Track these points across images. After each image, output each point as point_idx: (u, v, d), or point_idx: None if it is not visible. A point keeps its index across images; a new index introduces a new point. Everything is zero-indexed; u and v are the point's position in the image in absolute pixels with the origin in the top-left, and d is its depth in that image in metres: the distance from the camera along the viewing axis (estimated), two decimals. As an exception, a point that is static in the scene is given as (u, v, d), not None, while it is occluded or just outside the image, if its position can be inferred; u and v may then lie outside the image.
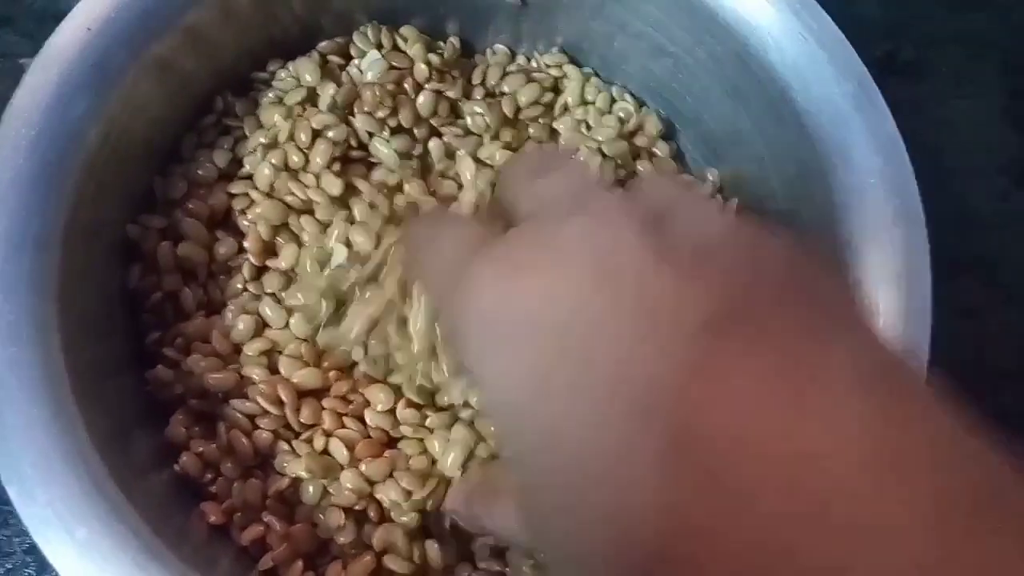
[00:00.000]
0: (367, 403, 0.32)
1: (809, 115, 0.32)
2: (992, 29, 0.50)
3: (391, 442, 0.33)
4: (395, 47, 0.39)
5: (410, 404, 0.32)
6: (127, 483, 0.27)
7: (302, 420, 0.32)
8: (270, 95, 0.37)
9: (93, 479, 0.26)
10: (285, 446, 0.32)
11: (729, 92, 0.36)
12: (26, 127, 0.29)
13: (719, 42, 0.34)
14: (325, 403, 0.32)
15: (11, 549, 0.36)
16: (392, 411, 0.32)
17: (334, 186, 0.34)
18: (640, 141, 0.40)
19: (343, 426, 0.32)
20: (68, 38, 0.30)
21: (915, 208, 0.30)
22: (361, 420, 0.32)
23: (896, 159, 0.30)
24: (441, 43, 0.40)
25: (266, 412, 0.32)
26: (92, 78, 0.30)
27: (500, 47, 0.41)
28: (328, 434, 0.32)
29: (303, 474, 0.31)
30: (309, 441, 0.32)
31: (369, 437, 0.32)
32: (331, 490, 0.31)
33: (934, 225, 0.30)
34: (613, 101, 0.41)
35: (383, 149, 0.36)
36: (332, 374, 0.32)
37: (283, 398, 0.32)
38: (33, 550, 0.36)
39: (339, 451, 0.31)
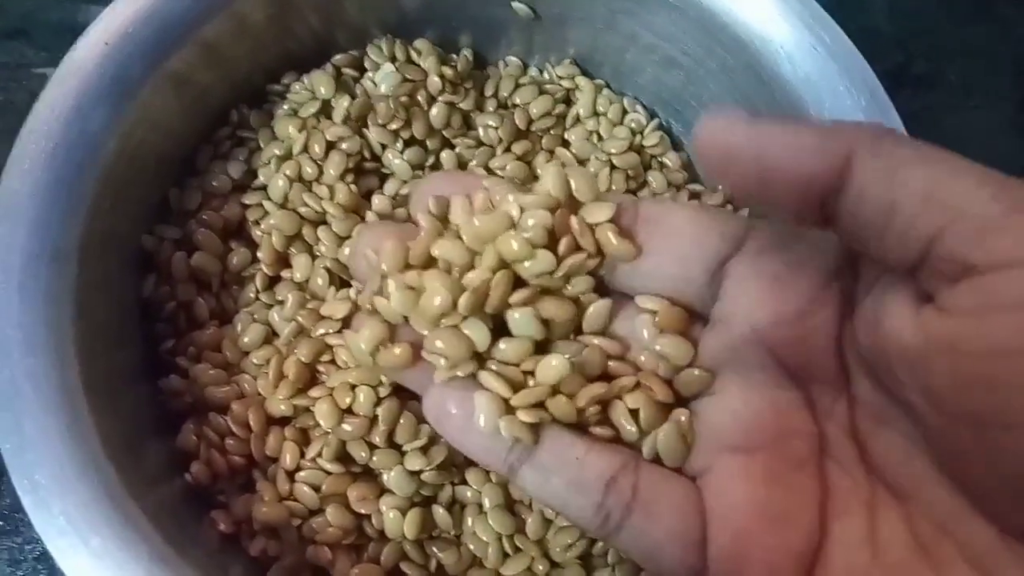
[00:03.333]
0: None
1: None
2: (1001, 40, 0.50)
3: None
4: (409, 60, 0.39)
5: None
6: (140, 492, 0.27)
7: (268, 453, 0.31)
8: (285, 108, 0.37)
9: (107, 489, 0.26)
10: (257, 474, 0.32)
11: (741, 103, 0.36)
12: (45, 139, 0.29)
13: (731, 54, 0.34)
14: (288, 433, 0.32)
15: (22, 556, 0.36)
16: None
17: (347, 197, 0.34)
18: (650, 152, 0.40)
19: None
20: (86, 52, 0.30)
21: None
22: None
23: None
24: (454, 56, 0.40)
25: (233, 434, 0.32)
26: (110, 91, 0.30)
27: (512, 59, 0.42)
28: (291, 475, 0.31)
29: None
30: (273, 480, 0.31)
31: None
32: (314, 526, 0.31)
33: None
34: (624, 112, 0.41)
35: (396, 161, 0.36)
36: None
37: (251, 424, 0.31)
38: (44, 558, 0.36)
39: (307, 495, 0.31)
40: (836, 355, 0.20)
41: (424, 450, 0.31)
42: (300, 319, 0.33)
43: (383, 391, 0.31)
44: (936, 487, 0.18)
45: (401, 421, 0.31)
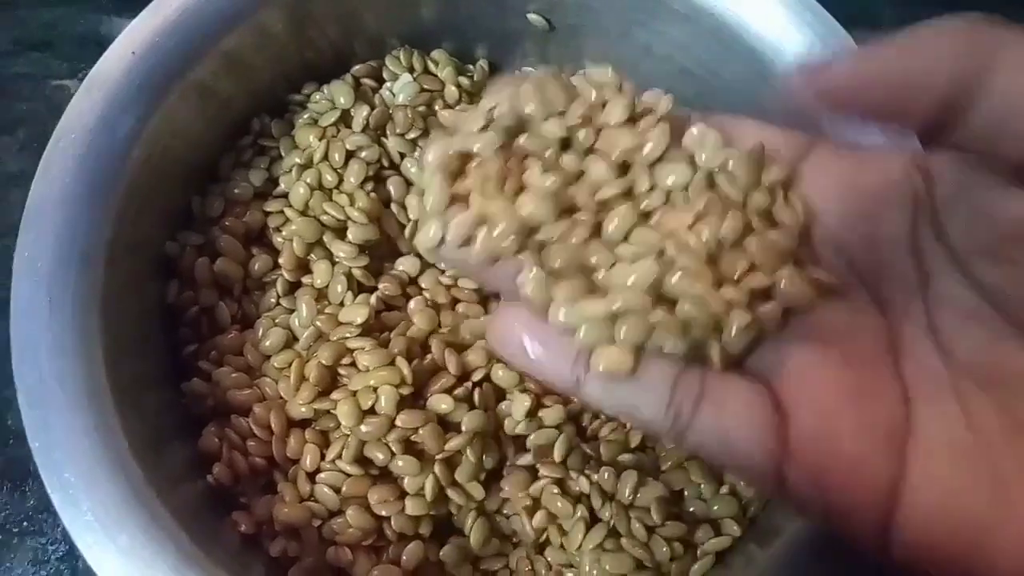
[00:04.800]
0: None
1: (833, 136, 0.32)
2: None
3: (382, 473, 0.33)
4: (426, 70, 0.40)
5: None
6: (164, 491, 0.27)
7: (288, 455, 0.32)
8: (305, 117, 0.38)
9: (133, 487, 0.27)
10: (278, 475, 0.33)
11: (754, 113, 0.36)
12: (73, 147, 0.30)
13: (743, 64, 0.35)
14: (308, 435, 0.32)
15: (45, 557, 0.37)
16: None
17: (367, 204, 0.35)
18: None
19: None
20: (114, 62, 0.31)
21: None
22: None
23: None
24: (471, 66, 0.41)
25: (255, 436, 0.32)
26: (136, 100, 0.31)
27: (528, 70, 0.42)
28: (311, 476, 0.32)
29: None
30: (294, 481, 0.32)
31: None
32: (335, 527, 0.31)
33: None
34: (638, 123, 0.41)
35: (414, 169, 0.37)
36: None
37: (272, 426, 0.32)
38: (67, 558, 0.37)
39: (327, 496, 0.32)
40: (912, 255, 0.20)
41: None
42: (319, 324, 0.34)
43: (404, 390, 0.31)
44: None
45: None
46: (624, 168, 0.21)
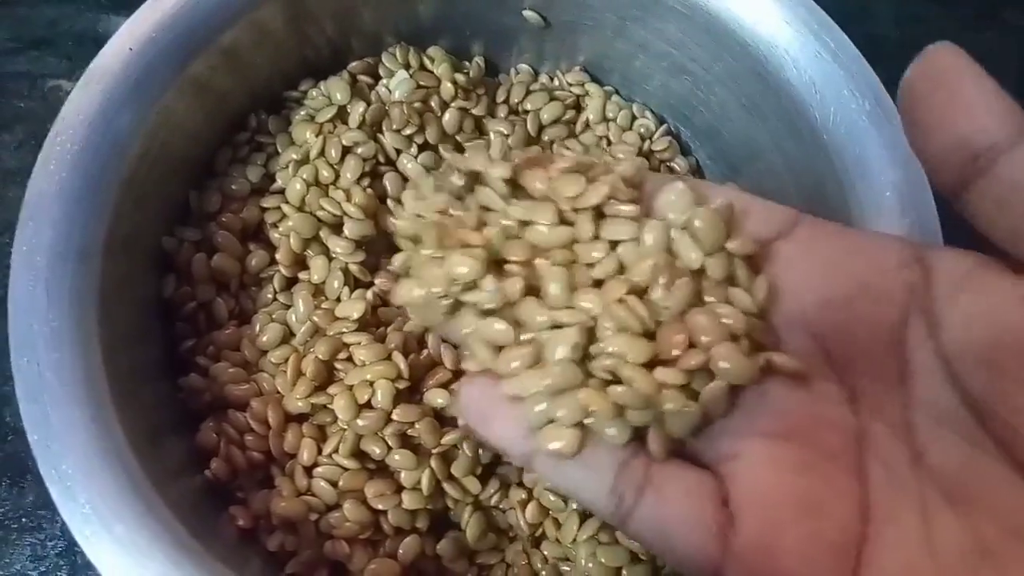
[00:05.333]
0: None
1: (826, 131, 0.32)
2: (1006, 46, 0.51)
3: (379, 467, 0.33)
4: (422, 67, 0.40)
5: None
6: (162, 485, 0.27)
7: (286, 449, 0.32)
8: (302, 113, 0.38)
9: (130, 479, 0.27)
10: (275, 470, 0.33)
11: (747, 108, 0.36)
12: (71, 142, 0.30)
13: (737, 60, 0.35)
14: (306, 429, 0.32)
15: (44, 553, 0.37)
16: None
17: (363, 200, 0.35)
18: (659, 157, 0.41)
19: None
20: (112, 57, 0.31)
21: (932, 221, 0.30)
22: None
23: (913, 174, 0.31)
24: (466, 63, 0.41)
25: (252, 431, 0.32)
26: (134, 95, 0.31)
27: (524, 66, 0.43)
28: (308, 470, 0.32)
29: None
30: (291, 476, 0.32)
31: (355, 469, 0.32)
32: (331, 521, 0.32)
33: (950, 239, 0.30)
34: (633, 118, 0.41)
35: (410, 165, 0.37)
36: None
37: (270, 421, 0.32)
38: (65, 553, 0.37)
39: (324, 490, 0.32)
40: (894, 349, 0.19)
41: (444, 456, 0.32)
42: (315, 319, 0.34)
43: (400, 384, 0.31)
44: (1012, 495, 0.17)
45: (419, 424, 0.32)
46: (570, 215, 0.20)
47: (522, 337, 0.20)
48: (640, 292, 0.20)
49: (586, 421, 0.19)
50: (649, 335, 0.19)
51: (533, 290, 0.20)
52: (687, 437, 0.20)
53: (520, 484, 0.34)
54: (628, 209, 0.20)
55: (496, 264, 0.20)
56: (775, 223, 0.21)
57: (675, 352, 0.19)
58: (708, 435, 0.20)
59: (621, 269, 0.20)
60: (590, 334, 0.19)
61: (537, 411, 0.19)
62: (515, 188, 0.21)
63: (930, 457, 0.19)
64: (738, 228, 0.20)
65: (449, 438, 0.32)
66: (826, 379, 0.20)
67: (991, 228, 0.17)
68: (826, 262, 0.20)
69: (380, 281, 0.35)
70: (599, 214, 0.20)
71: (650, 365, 0.19)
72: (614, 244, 0.20)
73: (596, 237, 0.20)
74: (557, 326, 0.20)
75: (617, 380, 0.19)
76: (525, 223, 0.20)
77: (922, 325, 0.19)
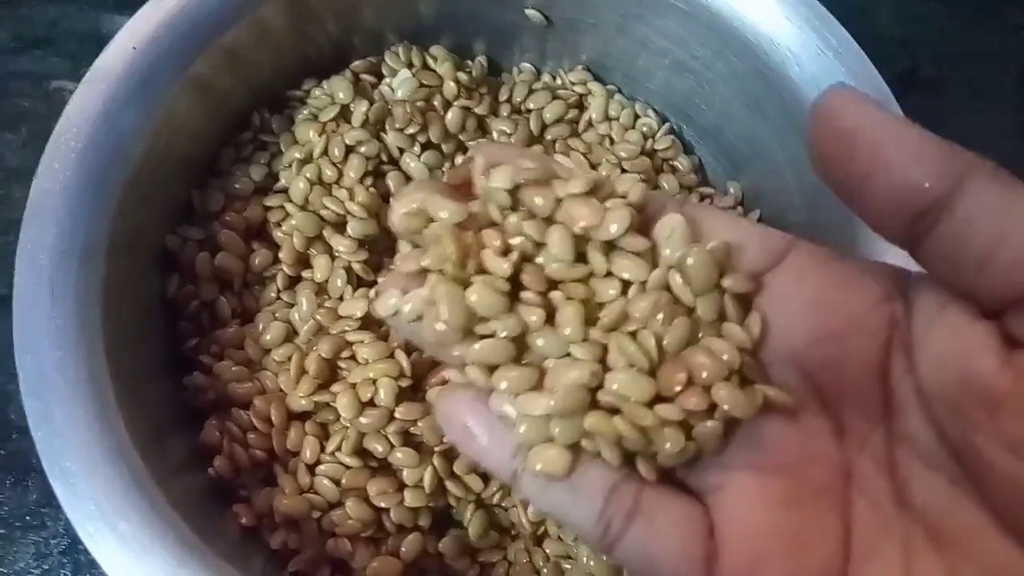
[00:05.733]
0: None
1: (829, 129, 0.32)
2: (1007, 44, 0.51)
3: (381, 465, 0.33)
4: (425, 66, 0.40)
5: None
6: (165, 482, 0.28)
7: (288, 447, 0.32)
8: (305, 112, 0.38)
9: (133, 476, 0.27)
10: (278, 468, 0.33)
11: (750, 106, 0.36)
12: (74, 141, 0.30)
13: (740, 58, 0.35)
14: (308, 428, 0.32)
15: (48, 551, 0.37)
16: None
17: (366, 199, 0.35)
18: (662, 155, 0.41)
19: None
20: (115, 57, 0.31)
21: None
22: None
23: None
24: (469, 62, 0.41)
25: (255, 429, 0.32)
26: (137, 95, 0.31)
27: (526, 65, 0.43)
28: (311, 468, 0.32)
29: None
30: (294, 474, 0.32)
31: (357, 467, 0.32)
32: (334, 519, 0.32)
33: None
34: (636, 117, 0.42)
35: (413, 164, 0.37)
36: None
37: (273, 419, 0.32)
38: (69, 552, 0.37)
39: (327, 488, 0.32)
40: (879, 384, 0.19)
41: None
42: (318, 318, 0.34)
43: (403, 382, 0.31)
44: (990, 540, 0.17)
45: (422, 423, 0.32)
46: (582, 242, 0.20)
47: (523, 361, 0.20)
48: (642, 328, 0.20)
49: (584, 443, 0.20)
50: (652, 372, 0.19)
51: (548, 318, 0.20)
52: (679, 466, 0.20)
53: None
54: (639, 243, 0.20)
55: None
56: (769, 252, 0.21)
57: (676, 389, 0.19)
58: (697, 465, 0.20)
59: (626, 305, 0.20)
60: (597, 369, 0.20)
61: (534, 431, 0.19)
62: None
63: (914, 496, 0.19)
64: (733, 264, 0.21)
65: (451, 436, 0.32)
66: (814, 414, 0.20)
67: (949, 279, 0.17)
68: (815, 297, 0.20)
69: (383, 280, 0.35)
70: (609, 244, 0.20)
71: (651, 403, 0.19)
72: (624, 282, 0.20)
73: (608, 273, 0.20)
74: (566, 354, 0.20)
75: (618, 411, 0.19)
76: (539, 244, 0.20)
77: (903, 360, 0.19)
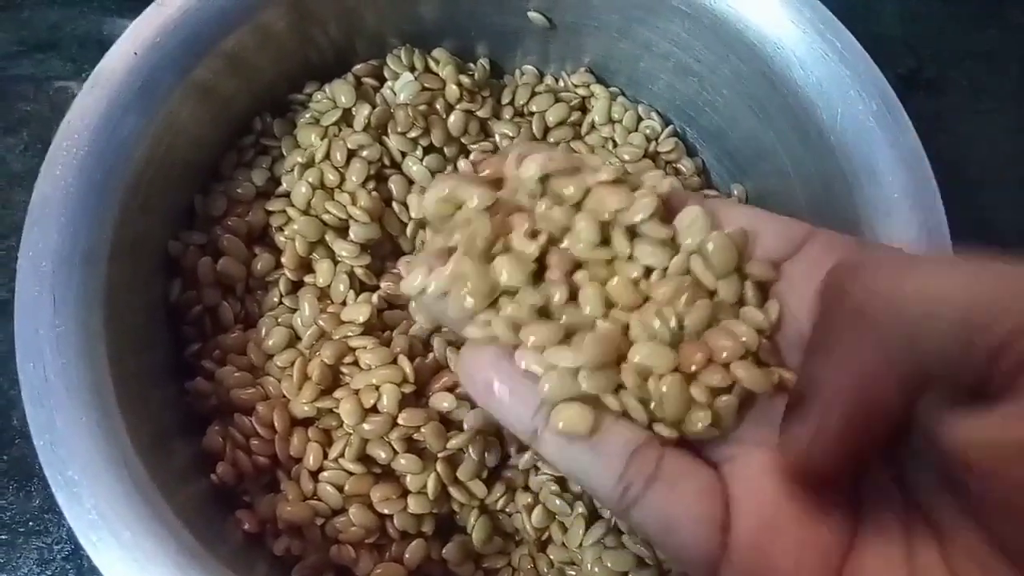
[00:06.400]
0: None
1: (833, 131, 0.32)
2: (1010, 45, 0.51)
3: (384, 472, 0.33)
4: (427, 69, 0.40)
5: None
6: (168, 489, 0.27)
7: (291, 453, 0.32)
8: (307, 116, 0.38)
9: (136, 484, 0.27)
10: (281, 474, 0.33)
11: (754, 109, 0.36)
12: (76, 146, 0.30)
13: (743, 61, 0.35)
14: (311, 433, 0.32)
15: (51, 556, 0.37)
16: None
17: (369, 203, 0.35)
18: (665, 158, 0.41)
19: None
20: (117, 61, 0.31)
21: (939, 221, 0.30)
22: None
23: (920, 174, 0.31)
24: (471, 65, 0.41)
25: (258, 435, 0.32)
26: (138, 100, 0.31)
27: (529, 68, 0.42)
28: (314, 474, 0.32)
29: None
30: (297, 480, 0.32)
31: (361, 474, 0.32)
32: (337, 526, 0.32)
33: (958, 237, 0.30)
34: (639, 119, 0.41)
35: (415, 167, 0.37)
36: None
37: (276, 425, 0.32)
38: (72, 557, 0.37)
39: (330, 494, 0.32)
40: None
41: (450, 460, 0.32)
42: (321, 323, 0.34)
43: (406, 388, 0.31)
44: (983, 545, 0.17)
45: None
46: (607, 228, 0.21)
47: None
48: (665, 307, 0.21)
49: (609, 400, 0.20)
50: (673, 348, 0.20)
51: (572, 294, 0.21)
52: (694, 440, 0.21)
53: (526, 488, 0.34)
54: (662, 231, 0.21)
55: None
56: (787, 240, 0.21)
57: (694, 367, 0.20)
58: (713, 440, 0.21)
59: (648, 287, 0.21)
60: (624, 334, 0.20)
61: (559, 386, 0.20)
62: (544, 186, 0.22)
63: (915, 491, 0.19)
64: (752, 250, 0.21)
65: (455, 442, 0.32)
66: None
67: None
68: None
69: (386, 284, 0.35)
70: (633, 231, 0.21)
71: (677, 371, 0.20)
72: (647, 267, 0.21)
73: (631, 256, 0.21)
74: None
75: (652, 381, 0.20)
76: (565, 230, 0.21)
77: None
